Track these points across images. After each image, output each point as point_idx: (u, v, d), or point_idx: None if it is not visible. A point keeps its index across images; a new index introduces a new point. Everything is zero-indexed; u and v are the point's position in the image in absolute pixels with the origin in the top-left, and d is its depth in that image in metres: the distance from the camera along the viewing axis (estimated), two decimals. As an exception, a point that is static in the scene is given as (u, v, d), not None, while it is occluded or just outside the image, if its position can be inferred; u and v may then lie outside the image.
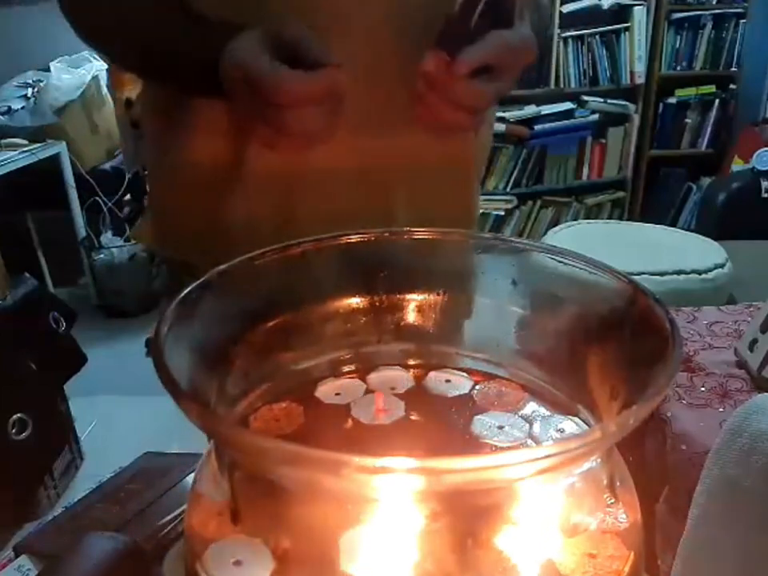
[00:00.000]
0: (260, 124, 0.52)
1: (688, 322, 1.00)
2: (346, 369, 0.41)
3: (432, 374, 0.41)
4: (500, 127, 2.83)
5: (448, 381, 0.40)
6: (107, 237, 2.67)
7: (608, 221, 2.83)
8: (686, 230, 1.92)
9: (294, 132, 0.50)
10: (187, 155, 0.64)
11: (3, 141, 2.34)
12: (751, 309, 1.03)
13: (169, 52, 0.57)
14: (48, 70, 2.57)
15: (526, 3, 0.53)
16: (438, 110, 0.52)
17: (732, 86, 2.99)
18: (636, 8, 2.81)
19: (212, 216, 0.65)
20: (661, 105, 3.00)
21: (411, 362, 0.42)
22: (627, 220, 3.00)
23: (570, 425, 0.36)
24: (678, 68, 2.97)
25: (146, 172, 0.76)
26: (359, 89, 0.54)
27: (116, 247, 2.64)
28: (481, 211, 2.94)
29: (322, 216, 0.60)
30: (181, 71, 0.57)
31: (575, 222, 1.92)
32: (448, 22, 0.50)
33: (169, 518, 0.74)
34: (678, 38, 2.92)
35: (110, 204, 2.65)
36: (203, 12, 0.56)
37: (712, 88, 2.99)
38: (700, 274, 1.48)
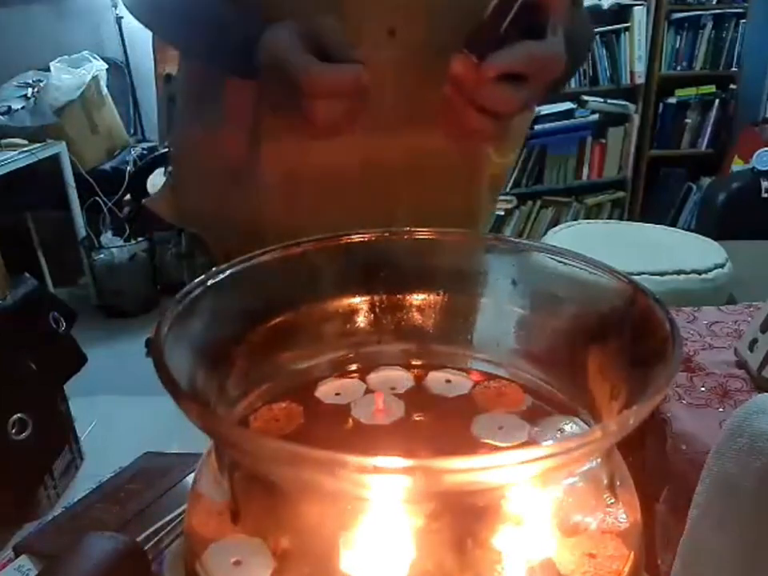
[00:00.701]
0: (291, 110, 0.55)
1: (688, 322, 0.99)
2: (346, 369, 0.41)
3: (432, 374, 0.41)
4: (500, 127, 2.83)
5: (448, 381, 0.40)
6: (107, 237, 2.67)
7: (608, 221, 2.83)
8: (686, 230, 1.92)
9: (320, 121, 0.53)
10: (210, 141, 0.68)
11: (3, 141, 2.34)
12: (751, 309, 1.03)
13: (210, 27, 0.59)
14: (48, 69, 2.57)
15: (560, 19, 0.52)
16: (463, 113, 0.52)
17: (732, 86, 2.99)
18: (636, 8, 2.81)
19: (224, 203, 0.69)
20: (661, 105, 3.00)
21: (411, 362, 0.42)
22: (627, 220, 3.00)
23: (570, 425, 0.36)
24: (678, 68, 2.97)
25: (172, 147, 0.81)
26: (385, 88, 0.57)
27: (116, 247, 2.64)
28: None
29: (325, 216, 0.60)
30: (219, 49, 0.60)
31: (575, 222, 1.92)
32: (479, 26, 0.50)
33: (169, 518, 0.74)
34: (678, 37, 2.92)
35: (110, 204, 2.65)
36: None
37: (712, 88, 2.99)
38: (700, 273, 1.48)
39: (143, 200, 0.81)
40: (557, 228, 1.85)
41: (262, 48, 0.54)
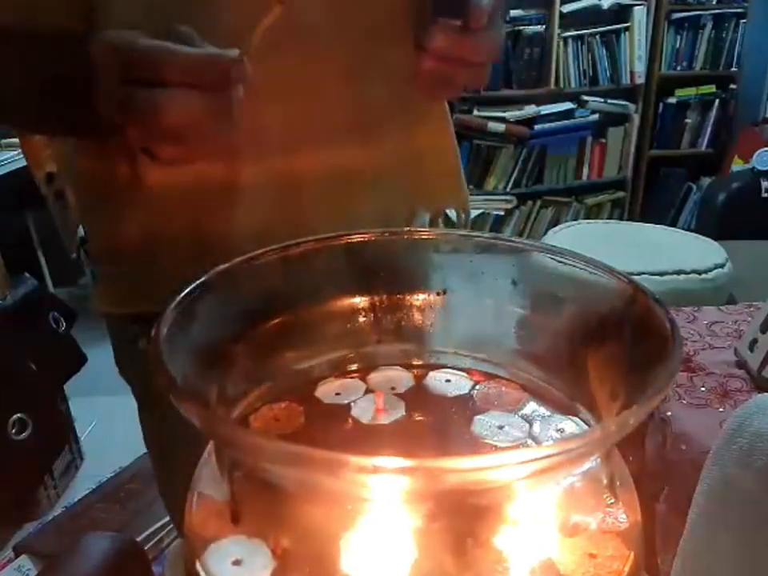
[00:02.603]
0: (132, 126, 0.43)
1: (688, 322, 1.00)
2: (346, 369, 0.41)
3: (432, 373, 0.41)
4: (500, 127, 2.83)
5: (448, 381, 0.40)
6: (107, 237, 2.66)
7: (608, 221, 2.83)
8: (686, 230, 1.92)
9: (169, 123, 0.40)
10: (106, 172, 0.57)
11: (3, 141, 2.34)
12: (751, 309, 1.03)
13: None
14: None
15: None
16: (453, 75, 0.51)
17: (732, 86, 2.99)
18: (636, 8, 2.81)
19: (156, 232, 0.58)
20: (661, 105, 2.99)
21: (411, 362, 0.42)
22: (627, 220, 3.00)
23: (570, 425, 0.36)
24: (678, 68, 2.97)
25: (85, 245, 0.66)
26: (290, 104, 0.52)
27: (116, 247, 2.63)
28: (480, 211, 2.95)
29: (238, 234, 0.55)
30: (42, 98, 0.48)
31: (575, 222, 1.92)
32: None
33: (169, 517, 0.74)
34: (678, 37, 2.92)
35: (109, 204, 2.65)
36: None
37: (712, 88, 2.99)
38: (700, 274, 1.48)
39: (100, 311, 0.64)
40: (557, 228, 1.85)
41: (94, 44, 0.42)
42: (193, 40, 0.42)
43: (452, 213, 0.69)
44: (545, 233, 2.01)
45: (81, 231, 0.70)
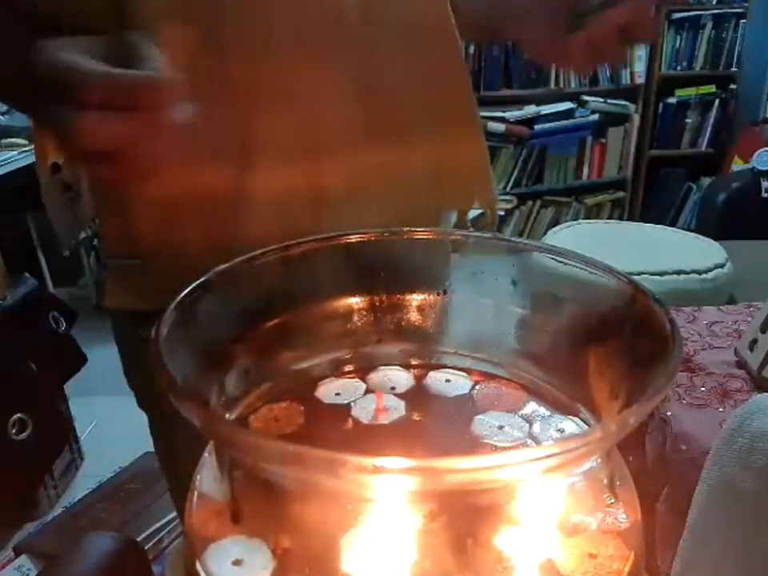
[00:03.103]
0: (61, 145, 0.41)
1: (688, 322, 1.00)
2: (346, 369, 0.41)
3: (432, 373, 0.41)
4: (500, 127, 2.83)
5: (448, 381, 0.40)
6: (107, 237, 2.66)
7: (608, 221, 2.83)
8: (686, 230, 1.92)
9: (86, 145, 0.39)
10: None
11: (3, 141, 2.34)
12: (751, 309, 1.03)
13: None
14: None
15: None
16: (610, 50, 0.54)
17: (732, 86, 2.99)
18: (636, 8, 2.81)
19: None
20: (661, 105, 3.00)
21: (411, 362, 0.42)
22: (627, 220, 3.00)
23: (570, 425, 0.36)
24: (678, 68, 2.97)
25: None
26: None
27: (116, 247, 2.62)
28: (481, 211, 2.95)
29: (255, 238, 0.55)
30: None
31: (575, 222, 1.92)
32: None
33: (169, 517, 0.74)
34: (678, 37, 2.92)
35: (109, 204, 2.64)
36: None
37: (712, 88, 2.99)
38: (700, 273, 1.48)
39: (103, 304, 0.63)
40: (557, 228, 1.85)
41: (36, 58, 0.40)
42: (139, 50, 0.40)
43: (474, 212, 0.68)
44: (545, 233, 2.01)
45: (82, 232, 0.68)
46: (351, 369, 0.41)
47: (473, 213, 0.68)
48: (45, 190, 2.14)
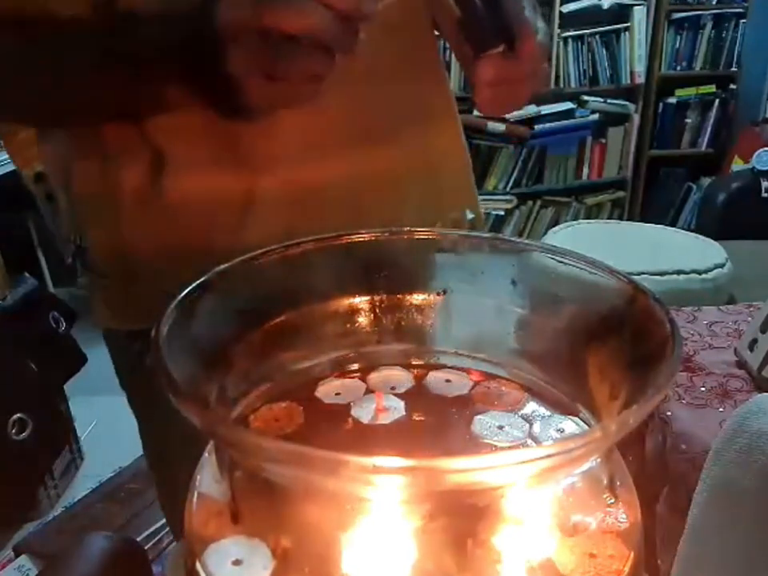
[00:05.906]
0: (259, 80, 0.44)
1: (688, 322, 1.00)
2: (346, 369, 0.41)
3: (432, 373, 0.41)
4: (500, 127, 2.83)
5: (448, 381, 0.40)
6: (107, 237, 2.65)
7: (608, 221, 2.83)
8: (686, 230, 1.92)
9: (302, 68, 0.42)
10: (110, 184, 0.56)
11: (3, 141, 2.33)
12: (751, 309, 1.03)
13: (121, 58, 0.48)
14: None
15: None
16: (514, 93, 0.53)
17: (732, 86, 2.99)
18: (636, 8, 2.81)
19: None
20: (661, 105, 2.99)
21: (411, 362, 0.42)
22: (627, 220, 3.00)
23: (570, 425, 0.36)
24: (678, 68, 2.96)
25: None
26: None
27: (116, 247, 2.62)
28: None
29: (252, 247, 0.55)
30: (141, 72, 0.48)
31: (575, 222, 1.92)
32: (464, 23, 0.49)
33: (169, 518, 0.74)
34: (678, 37, 2.92)
35: (109, 204, 2.64)
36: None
37: (712, 88, 2.98)
38: (700, 273, 1.48)
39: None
40: (557, 228, 1.85)
41: (214, 23, 0.42)
42: None
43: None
44: (545, 233, 2.01)
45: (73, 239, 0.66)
46: (351, 369, 0.41)
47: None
48: (38, 197, 2.11)
